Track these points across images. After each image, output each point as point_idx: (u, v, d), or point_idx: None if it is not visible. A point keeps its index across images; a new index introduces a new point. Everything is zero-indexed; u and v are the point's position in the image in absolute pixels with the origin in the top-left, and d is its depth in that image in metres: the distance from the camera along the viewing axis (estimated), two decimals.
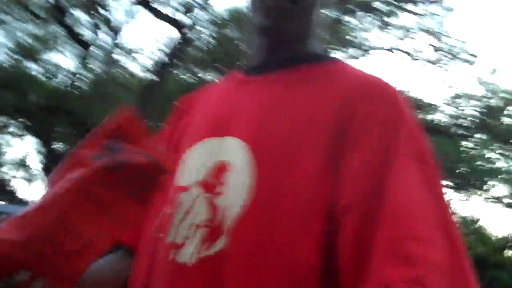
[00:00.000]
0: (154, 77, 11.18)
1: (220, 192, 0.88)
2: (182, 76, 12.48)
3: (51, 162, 12.98)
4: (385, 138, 0.82)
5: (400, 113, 0.86)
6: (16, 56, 11.30)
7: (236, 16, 11.59)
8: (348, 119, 0.85)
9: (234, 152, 0.90)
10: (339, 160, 0.82)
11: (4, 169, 18.22)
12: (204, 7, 11.15)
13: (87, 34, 11.73)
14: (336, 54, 12.04)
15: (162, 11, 11.01)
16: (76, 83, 11.95)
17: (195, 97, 1.12)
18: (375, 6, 10.86)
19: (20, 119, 12.44)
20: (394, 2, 10.25)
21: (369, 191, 0.78)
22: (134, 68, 13.30)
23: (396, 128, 0.83)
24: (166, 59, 11.22)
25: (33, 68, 11.62)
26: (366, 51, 11.91)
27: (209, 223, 0.86)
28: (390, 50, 11.56)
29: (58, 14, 11.01)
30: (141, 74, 12.80)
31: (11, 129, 13.83)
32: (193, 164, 0.95)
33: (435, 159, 0.83)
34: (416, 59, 11.67)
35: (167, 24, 11.09)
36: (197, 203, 0.89)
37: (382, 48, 11.81)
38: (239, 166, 0.88)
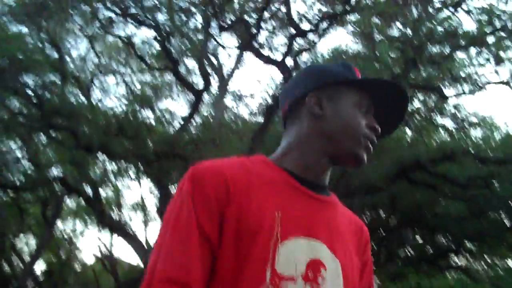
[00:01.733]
0: (263, 121, 11.53)
1: (320, 284, 1.23)
2: None
3: (165, 204, 13.74)
4: (371, 271, 1.49)
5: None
6: (133, 105, 12.23)
7: (338, 56, 11.95)
8: (364, 248, 1.44)
9: (324, 254, 1.27)
10: (364, 270, 1.43)
11: (123, 211, 19.49)
12: (308, 49, 11.49)
13: (198, 81, 12.47)
14: (449, 91, 11.92)
15: (267, 55, 11.46)
16: (188, 129, 12.67)
17: (231, 176, 1.27)
18: (488, 41, 10.63)
19: (137, 164, 13.31)
20: (506, 36, 10.00)
21: (372, 283, 1.47)
22: (243, 112, 13.83)
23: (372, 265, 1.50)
24: (271, 101, 11.57)
25: (149, 115, 12.43)
26: (481, 87, 11.67)
27: None
28: (506, 83, 11.24)
29: (171, 63, 11.84)
30: (250, 118, 13.35)
31: (129, 173, 14.92)
32: (291, 257, 1.21)
33: None
34: None
35: (272, 67, 11.41)
36: None
37: (498, 83, 11.51)
38: (330, 265, 1.27)
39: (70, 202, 19.73)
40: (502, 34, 9.93)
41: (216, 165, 1.29)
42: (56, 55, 11.84)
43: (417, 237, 15.97)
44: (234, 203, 1.22)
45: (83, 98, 12.85)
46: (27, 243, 22.71)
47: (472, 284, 13.08)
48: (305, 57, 11.85)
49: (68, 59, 12.21)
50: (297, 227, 1.25)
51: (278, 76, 12.09)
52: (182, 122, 12.66)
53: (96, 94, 13.26)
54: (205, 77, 12.26)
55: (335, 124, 1.36)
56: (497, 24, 9.78)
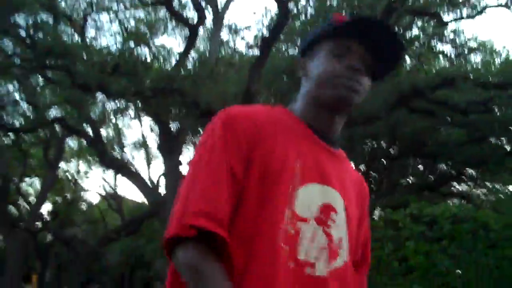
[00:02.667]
0: (259, 54, 11.47)
1: (330, 226, 1.37)
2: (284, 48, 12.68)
3: (167, 141, 13.94)
4: (367, 218, 1.63)
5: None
6: (128, 42, 12.21)
7: None
8: (363, 201, 1.57)
9: (335, 199, 1.41)
10: (362, 221, 1.58)
11: (126, 150, 19.75)
12: None
13: (193, 16, 12.35)
14: (448, 16, 11.82)
15: None
16: (185, 65, 12.68)
17: (260, 122, 1.39)
18: None
19: (136, 102, 13.44)
20: None
21: (369, 236, 1.63)
22: (240, 45, 13.75)
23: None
24: (267, 32, 11.47)
25: (145, 52, 12.41)
26: (481, 10, 11.56)
27: (329, 246, 1.36)
28: (505, 6, 11.14)
29: None
30: (246, 51, 13.29)
31: (129, 112, 15.06)
32: (307, 200, 1.35)
33: None
34: None
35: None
36: (318, 233, 1.34)
37: (497, 6, 11.40)
38: (339, 210, 1.41)
39: (72, 143, 19.99)
40: None
41: (246, 110, 1.41)
42: None
43: (419, 165, 16.12)
44: (261, 147, 1.34)
45: (76, 37, 12.85)
46: (31, 185, 23.20)
47: (474, 209, 13.32)
48: None
49: None
50: (313, 174, 1.38)
51: (273, 7, 11.87)
52: (178, 58, 12.64)
53: (90, 32, 13.16)
54: (199, 10, 12.17)
55: (313, 79, 1.46)
56: None
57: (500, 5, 11.12)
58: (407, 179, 16.39)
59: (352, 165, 1.63)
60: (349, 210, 1.44)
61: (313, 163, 1.39)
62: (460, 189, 15.81)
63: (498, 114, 11.97)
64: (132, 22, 13.25)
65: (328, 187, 1.39)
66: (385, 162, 15.71)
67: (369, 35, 1.43)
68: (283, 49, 13.61)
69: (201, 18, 11.96)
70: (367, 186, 1.62)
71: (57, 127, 14.66)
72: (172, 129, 13.98)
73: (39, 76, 13.40)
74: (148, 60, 12.45)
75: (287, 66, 12.42)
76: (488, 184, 15.22)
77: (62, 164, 20.58)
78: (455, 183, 15.80)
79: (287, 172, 1.33)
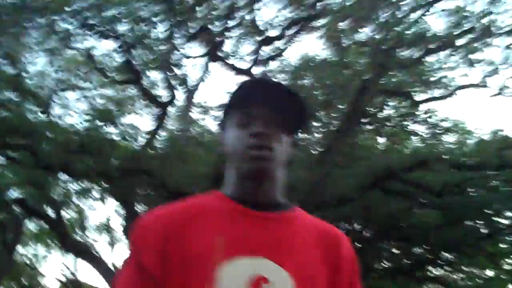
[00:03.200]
0: None
1: None
2: None
3: (132, 223, 13.44)
4: (353, 281, 1.49)
5: (356, 263, 1.53)
6: (94, 121, 12.01)
7: (308, 63, 12.00)
8: (334, 252, 1.48)
9: (269, 269, 1.35)
10: (334, 278, 1.45)
11: (88, 233, 19.09)
12: (276, 57, 11.42)
13: (163, 94, 12.35)
14: (420, 96, 11.98)
15: (234, 64, 11.35)
16: (153, 144, 12.52)
17: (173, 219, 1.44)
18: (458, 44, 10.71)
19: (101, 183, 13.07)
20: (478, 38, 10.08)
21: None
22: (210, 124, 13.73)
23: (356, 270, 1.50)
24: None
25: (112, 131, 12.24)
26: (453, 91, 11.73)
27: None
28: (478, 86, 11.32)
29: (134, 76, 11.69)
30: (217, 130, 13.11)
31: (93, 193, 14.62)
32: (232, 276, 1.31)
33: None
34: (507, 95, 11.34)
35: (241, 77, 11.31)
36: None
37: (469, 86, 11.58)
38: (278, 280, 1.34)
39: (31, 226, 19.32)
40: (471, 36, 10.00)
41: (158, 213, 1.46)
42: (12, 71, 11.58)
43: (393, 249, 15.95)
44: (176, 240, 1.38)
45: (42, 116, 12.57)
46: None
47: None
48: (273, 65, 11.80)
49: (25, 74, 11.93)
50: (239, 249, 1.36)
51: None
52: (147, 137, 12.54)
53: (55, 111, 12.98)
54: (170, 89, 12.17)
55: (227, 154, 1.54)
56: (466, 25, 9.86)
57: (472, 85, 11.29)
58: (382, 263, 16.08)
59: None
60: (296, 274, 1.38)
61: (241, 237, 1.39)
62: (437, 274, 15.53)
63: (473, 196, 11.92)
64: (100, 100, 13.10)
65: (260, 258, 1.36)
66: (358, 245, 15.40)
67: (270, 96, 1.49)
68: None
69: (172, 97, 11.91)
70: (338, 233, 1.56)
71: (16, 209, 14.09)
72: (138, 211, 13.58)
73: (0, 155, 13.01)
74: (116, 139, 12.19)
75: None
76: (465, 268, 14.99)
77: (19, 248, 19.74)
78: (431, 268, 15.53)
79: (206, 252, 1.35)
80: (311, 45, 30.43)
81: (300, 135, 1.67)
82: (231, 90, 1.55)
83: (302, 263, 1.41)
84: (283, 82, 11.00)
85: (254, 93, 1.51)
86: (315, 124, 12.65)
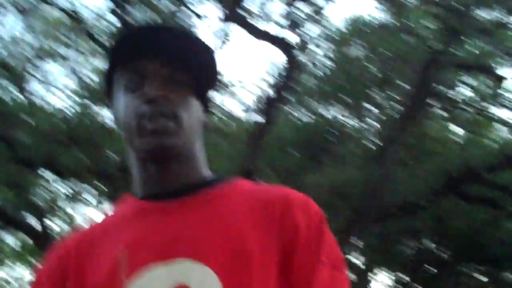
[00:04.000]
0: (260, 118, 11.35)
1: None
2: (295, 114, 12.56)
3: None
4: (314, 249, 1.42)
5: (322, 226, 1.46)
6: (85, 102, 12.00)
7: (358, 28, 11.95)
8: (288, 227, 1.43)
9: (190, 272, 1.35)
10: (287, 265, 1.41)
11: None
12: (316, 20, 11.23)
13: None
14: (506, 71, 11.71)
15: (261, 28, 11.20)
16: None
17: (74, 246, 1.50)
18: None
19: (96, 183, 13.09)
20: None
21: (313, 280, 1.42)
22: (235, 108, 13.64)
23: (320, 240, 1.44)
24: (272, 92, 11.30)
25: (109, 116, 12.18)
26: None
27: None
28: None
29: None
30: (243, 115, 13.03)
31: (84, 196, 14.66)
32: None
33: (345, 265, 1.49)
34: None
35: (269, 45, 11.22)
36: None
37: None
38: (201, 282, 1.34)
39: (8, 239, 19.53)
40: None
41: (64, 243, 1.54)
42: None
43: (478, 274, 15.82)
44: (73, 274, 1.45)
45: (18, 94, 12.57)
46: None
47: None
48: (312, 29, 11.54)
49: None
50: (148, 256, 1.37)
51: (280, 59, 11.76)
52: None
53: (35, 88, 13.00)
54: None
55: (119, 128, 1.52)
56: None
57: None
58: None
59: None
60: (227, 272, 1.35)
61: (147, 241, 1.40)
62: None
63: None
64: (91, 75, 13.07)
65: (178, 260, 1.37)
66: (433, 268, 15.36)
67: (165, 45, 1.47)
68: (292, 114, 13.41)
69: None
70: (306, 207, 1.49)
71: None
72: None
73: None
74: (114, 126, 12.03)
75: (298, 136, 12.28)
76: None
77: None
78: None
79: (108, 276, 1.38)
80: (362, 4, 29.80)
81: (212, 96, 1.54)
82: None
83: (231, 249, 1.39)
84: (326, 50, 10.77)
85: (144, 43, 1.47)
86: (370, 108, 12.63)
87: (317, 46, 12.01)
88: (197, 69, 1.50)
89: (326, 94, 12.39)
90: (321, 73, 12.54)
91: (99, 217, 1.59)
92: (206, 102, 1.57)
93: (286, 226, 1.42)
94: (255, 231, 1.41)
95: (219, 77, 1.63)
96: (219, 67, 1.57)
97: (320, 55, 12.27)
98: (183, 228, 1.41)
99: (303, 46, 11.23)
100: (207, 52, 1.53)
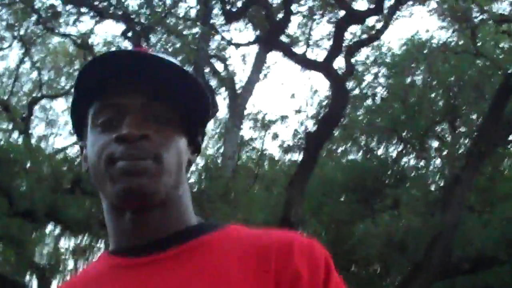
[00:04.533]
0: (302, 158, 11.29)
1: None
2: (343, 152, 12.40)
3: None
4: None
5: (329, 272, 1.45)
6: None
7: (418, 52, 11.78)
8: (288, 274, 1.42)
9: None
10: None
11: None
12: (370, 43, 11.10)
13: None
14: None
15: (305, 54, 11.13)
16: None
17: None
18: None
19: (105, 236, 13.09)
20: None
21: None
22: (271, 146, 13.50)
23: (327, 279, 1.44)
24: (314, 127, 11.16)
25: None
26: None
27: None
28: None
29: None
30: (281, 155, 12.93)
31: (94, 252, 14.62)
32: None
33: None
34: None
35: (313, 73, 11.17)
36: None
37: None
38: None
39: None
40: None
41: None
42: None
43: None
44: None
45: (16, 136, 12.71)
46: None
47: None
48: (364, 53, 11.47)
49: None
50: None
51: (323, 88, 11.66)
52: None
53: (38, 128, 13.09)
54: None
55: (90, 174, 1.52)
56: None
57: None
58: None
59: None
60: None
61: None
62: None
63: None
64: None
65: None
66: None
67: (146, 74, 1.47)
68: (339, 152, 13.27)
69: (213, 107, 11.72)
70: (309, 251, 1.47)
71: None
72: None
73: None
74: None
75: (346, 178, 12.17)
76: None
77: None
78: None
79: None
80: (422, 23, 29.89)
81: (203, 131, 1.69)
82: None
83: None
84: (379, 77, 10.73)
85: (119, 71, 1.46)
86: (433, 144, 12.46)
87: (370, 72, 11.82)
88: (184, 105, 1.50)
89: (380, 128, 12.16)
90: (374, 104, 12.30)
91: (73, 276, 1.66)
92: (196, 140, 1.56)
93: (284, 275, 1.40)
94: (246, 284, 1.39)
95: (211, 110, 1.61)
96: (207, 100, 1.54)
97: (373, 83, 12.07)
98: (163, 283, 1.41)
99: (352, 73, 11.11)
100: (195, 83, 1.49)
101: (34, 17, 10.96)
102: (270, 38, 11.21)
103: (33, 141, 13.18)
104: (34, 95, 13.38)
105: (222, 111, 12.80)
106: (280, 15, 11.03)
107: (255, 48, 11.80)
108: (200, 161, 12.85)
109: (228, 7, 11.07)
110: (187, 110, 1.52)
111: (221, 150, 13.02)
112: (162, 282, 1.41)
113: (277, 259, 1.43)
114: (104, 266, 1.51)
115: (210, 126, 12.83)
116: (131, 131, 1.40)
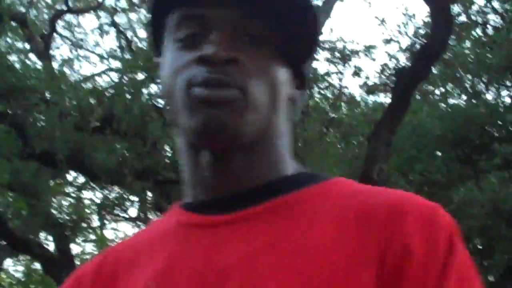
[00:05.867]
0: (390, 101, 11.49)
1: None
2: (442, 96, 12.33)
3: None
4: (436, 282, 1.33)
5: (452, 248, 1.37)
6: (132, 72, 12.08)
7: None
8: (396, 249, 1.35)
9: None
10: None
11: None
12: None
13: None
14: None
15: None
16: None
17: (122, 250, 1.57)
18: None
19: (142, 190, 13.26)
20: None
21: None
22: (352, 84, 13.48)
23: (447, 268, 1.34)
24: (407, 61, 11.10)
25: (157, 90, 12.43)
26: None
27: None
28: None
29: None
30: (362, 95, 12.96)
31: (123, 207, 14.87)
32: None
33: None
34: None
35: None
36: None
37: None
38: None
39: (16, 268, 20.04)
40: None
41: (73, 276, 1.61)
42: None
43: None
44: None
45: (35, 60, 12.79)
46: None
47: None
48: None
49: None
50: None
51: (421, 10, 11.65)
52: None
53: (61, 49, 13.25)
54: None
55: (164, 100, 1.67)
56: None
57: None
58: None
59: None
60: None
61: (186, 273, 1.41)
62: None
63: None
64: (142, 33, 13.26)
65: None
66: None
67: None
68: (438, 95, 13.23)
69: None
70: (425, 219, 1.38)
71: None
72: None
73: None
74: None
75: (445, 129, 12.15)
76: None
77: None
78: None
79: None
80: None
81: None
82: None
83: (304, 285, 1.34)
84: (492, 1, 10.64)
85: None
86: None
87: None
88: (289, 23, 1.44)
89: (491, 66, 12.08)
90: (484, 35, 12.23)
91: (131, 234, 1.71)
92: (299, 73, 1.52)
93: (390, 250, 1.34)
94: (340, 257, 1.35)
95: (319, 38, 1.67)
96: (322, 23, 1.53)
97: (485, 7, 12.03)
98: (239, 255, 1.39)
99: None
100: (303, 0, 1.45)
101: None
102: None
103: (54, 65, 13.28)
104: (57, 8, 13.39)
105: None
106: None
107: None
108: None
109: None
110: (291, 32, 1.46)
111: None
112: (242, 246, 1.40)
113: (383, 229, 1.37)
114: (174, 223, 1.53)
115: None
116: (217, 52, 1.38)
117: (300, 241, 1.37)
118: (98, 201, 15.27)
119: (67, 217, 15.08)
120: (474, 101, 13.15)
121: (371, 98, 14.29)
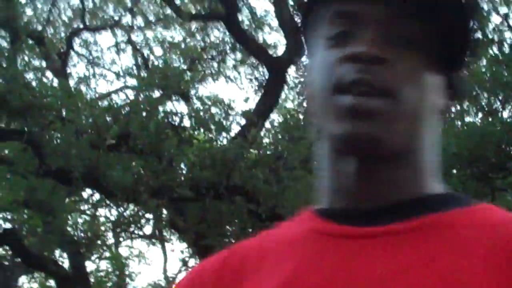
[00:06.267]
0: None
1: None
2: None
3: None
4: None
5: None
6: (149, 88, 12.07)
7: None
8: None
9: None
10: None
11: None
12: None
13: (276, 40, 12.15)
14: None
15: None
16: (258, 138, 12.62)
17: (248, 251, 1.52)
18: None
19: (158, 210, 13.22)
20: None
21: None
22: None
23: None
24: None
25: (180, 109, 12.28)
26: None
27: None
28: None
29: (224, 7, 11.79)
30: None
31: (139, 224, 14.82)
32: None
33: None
34: None
35: None
36: None
37: None
38: None
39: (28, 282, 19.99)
40: None
41: (192, 273, 1.67)
42: None
43: None
44: None
45: (52, 77, 12.91)
46: None
47: None
48: None
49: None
50: None
51: None
52: (244, 122, 12.66)
53: (77, 67, 13.29)
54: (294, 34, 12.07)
55: (309, 100, 1.54)
56: None
57: None
58: None
59: None
60: None
61: (318, 281, 1.36)
62: None
63: None
64: (159, 50, 13.22)
65: None
66: None
67: None
68: (453, 113, 13.23)
69: (295, 47, 11.90)
70: None
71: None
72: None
73: None
74: (187, 125, 12.46)
75: (461, 145, 12.11)
76: None
77: None
78: None
79: None
80: None
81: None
82: None
83: None
84: (509, 18, 10.65)
85: None
86: None
87: (498, 12, 11.80)
88: (445, 24, 1.38)
89: (508, 84, 12.09)
90: (501, 53, 12.25)
91: (256, 236, 1.63)
92: (452, 81, 1.46)
93: None
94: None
95: (473, 39, 1.50)
96: (471, 26, 1.46)
97: (501, 25, 12.05)
98: (388, 270, 1.31)
99: (475, 11, 10.95)
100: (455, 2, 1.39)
101: None
102: None
103: (71, 83, 13.39)
104: (74, 26, 13.44)
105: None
106: None
107: None
108: (276, 117, 12.94)
109: None
110: (446, 36, 1.40)
111: (305, 104, 13.07)
112: (380, 263, 1.33)
113: None
114: (305, 227, 1.47)
115: (291, 71, 12.73)
116: (370, 49, 1.32)
117: (450, 267, 1.30)
118: (113, 219, 15.26)
119: (82, 235, 15.09)
120: (490, 119, 13.10)
121: None
